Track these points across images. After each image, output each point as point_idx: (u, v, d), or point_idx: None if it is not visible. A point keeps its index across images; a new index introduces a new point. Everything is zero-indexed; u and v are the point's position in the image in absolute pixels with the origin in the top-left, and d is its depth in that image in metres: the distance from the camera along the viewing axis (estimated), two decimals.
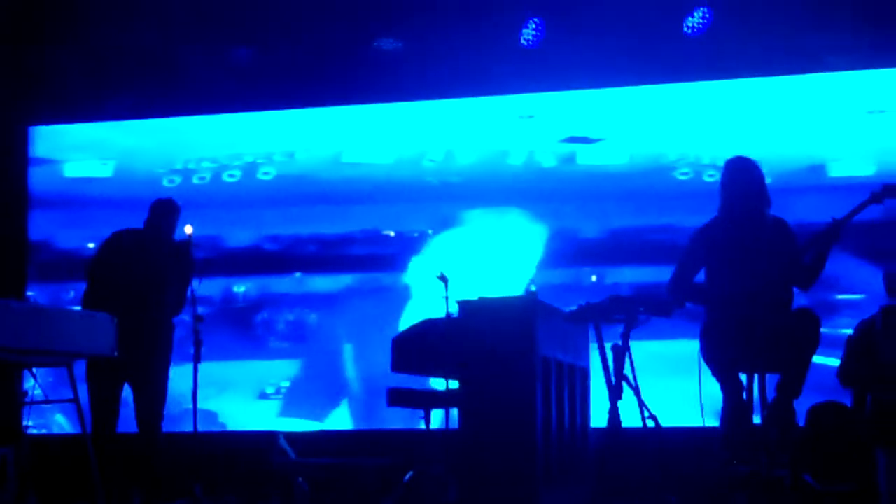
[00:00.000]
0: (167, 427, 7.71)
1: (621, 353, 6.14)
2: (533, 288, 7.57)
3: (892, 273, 7.40)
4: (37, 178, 10.62)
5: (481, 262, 9.61)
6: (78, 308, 7.70)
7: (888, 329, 6.81)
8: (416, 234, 9.98)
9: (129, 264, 7.58)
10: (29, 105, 10.41)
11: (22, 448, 8.00)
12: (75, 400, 6.93)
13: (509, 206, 9.81)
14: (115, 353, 6.87)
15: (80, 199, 10.47)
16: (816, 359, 6.20)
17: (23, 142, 10.62)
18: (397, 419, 8.75)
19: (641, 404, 6.16)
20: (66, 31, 9.81)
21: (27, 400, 8.66)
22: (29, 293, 10.35)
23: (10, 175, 10.54)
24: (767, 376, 6.22)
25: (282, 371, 10.05)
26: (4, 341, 6.13)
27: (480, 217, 9.86)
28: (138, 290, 7.44)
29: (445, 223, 9.92)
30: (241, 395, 9.97)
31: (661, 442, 6.19)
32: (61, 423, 9.91)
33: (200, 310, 7.93)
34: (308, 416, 9.86)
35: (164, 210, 7.86)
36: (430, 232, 9.95)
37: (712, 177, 6.70)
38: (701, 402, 6.25)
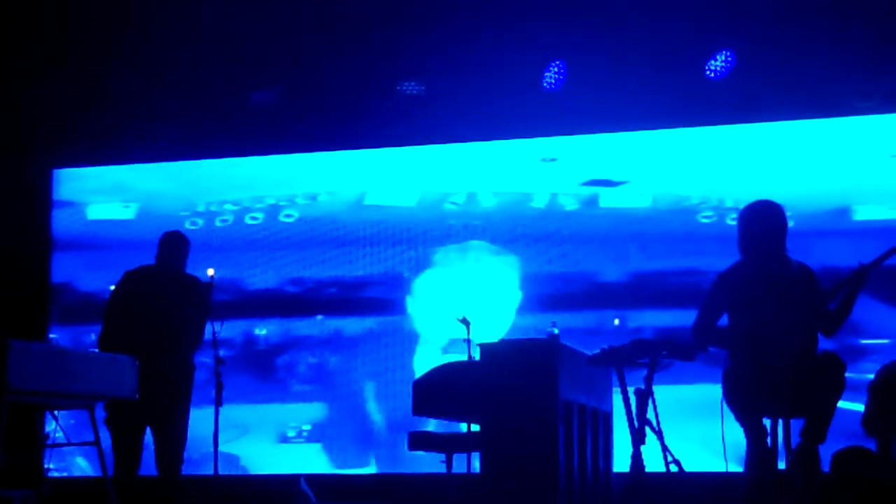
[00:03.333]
0: (188, 470, 7.68)
1: (644, 396, 6.09)
2: (555, 330, 7.52)
3: None
4: (60, 221, 10.67)
5: (487, 301, 9.62)
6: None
7: None
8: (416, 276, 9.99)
9: (144, 301, 7.54)
10: (53, 148, 10.48)
11: (43, 490, 7.99)
12: (96, 443, 6.91)
13: (515, 243, 9.81)
14: (137, 396, 6.86)
15: (102, 242, 10.51)
16: (842, 404, 6.15)
17: (46, 184, 10.68)
18: (419, 463, 8.71)
19: (664, 449, 6.11)
20: (90, 74, 9.87)
21: (49, 442, 8.66)
22: (51, 335, 10.37)
23: (34, 217, 10.59)
24: (792, 421, 6.17)
25: (303, 414, 10.03)
26: (27, 384, 6.13)
27: (482, 254, 9.86)
28: (155, 326, 7.41)
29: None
30: (262, 439, 9.95)
31: (684, 487, 6.13)
32: (82, 465, 9.90)
33: (222, 352, 7.92)
34: (330, 460, 9.85)
35: (172, 243, 7.82)
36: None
37: (735, 220, 6.64)
38: (724, 446, 6.19)
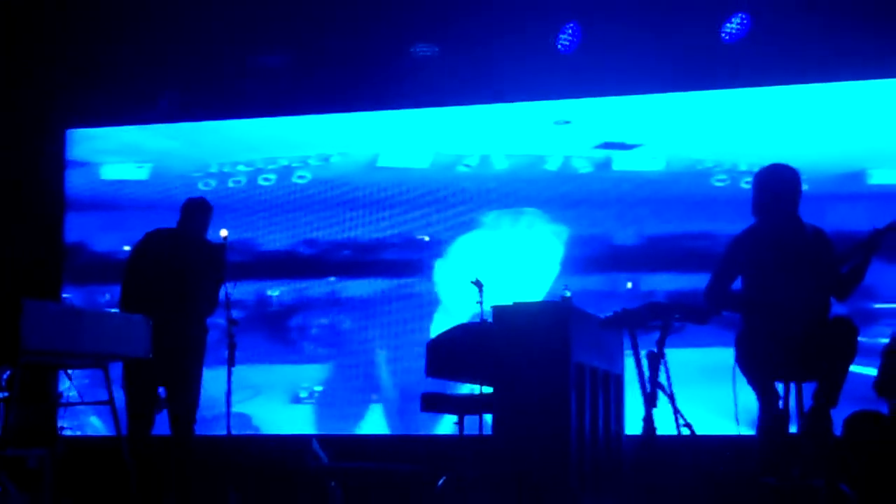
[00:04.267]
0: (201, 430, 7.72)
1: (656, 360, 6.10)
2: (568, 294, 7.52)
3: None
4: (73, 181, 10.68)
5: (502, 264, 9.61)
6: (114, 310, 7.73)
7: None
8: (444, 239, 9.97)
9: (161, 264, 7.58)
10: (66, 108, 10.47)
11: (58, 449, 8.04)
12: (110, 402, 6.94)
13: (532, 206, 9.80)
14: (150, 356, 6.88)
15: (115, 202, 10.52)
16: (854, 368, 6.15)
17: (60, 145, 10.68)
18: (431, 424, 8.74)
19: (676, 412, 6.12)
20: (103, 34, 9.85)
21: (62, 401, 8.71)
22: (65, 295, 10.40)
23: (47, 178, 10.60)
24: (804, 385, 6.18)
25: (315, 375, 10.06)
26: (40, 343, 6.16)
27: (499, 219, 9.85)
28: (170, 289, 7.44)
29: (468, 226, 9.92)
30: (274, 399, 9.99)
31: (695, 450, 6.15)
32: (96, 424, 9.95)
33: (235, 313, 7.94)
34: (341, 421, 9.88)
35: (196, 209, 7.86)
36: (445, 238, 9.95)
37: (749, 184, 6.63)
38: (736, 410, 6.20)
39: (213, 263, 7.68)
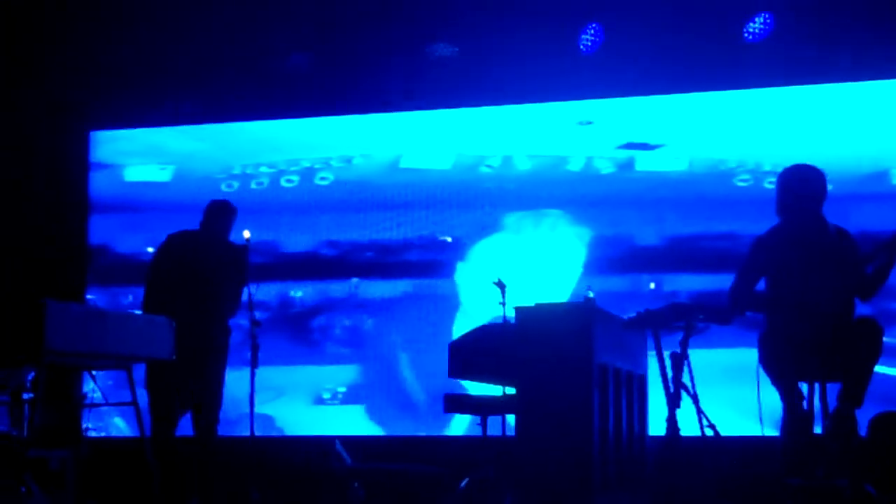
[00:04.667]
0: (224, 431, 7.74)
1: (680, 360, 6.09)
2: (591, 294, 7.51)
3: None
4: (97, 183, 10.72)
5: (528, 265, 9.60)
6: (137, 312, 7.75)
7: None
8: (468, 241, 9.97)
9: (184, 265, 7.62)
10: (90, 110, 10.51)
11: (81, 450, 8.07)
12: (134, 403, 6.97)
13: (554, 208, 9.78)
14: (174, 357, 6.90)
15: (139, 204, 10.55)
16: (879, 368, 6.13)
17: (83, 147, 10.73)
18: (454, 425, 8.73)
19: (700, 413, 6.11)
20: (126, 36, 9.88)
21: (87, 402, 8.73)
22: (89, 297, 10.44)
23: (71, 180, 10.64)
24: (829, 385, 6.15)
25: (339, 376, 10.07)
26: (64, 345, 6.18)
27: (521, 220, 9.84)
28: (194, 290, 7.47)
29: (490, 228, 9.91)
30: (297, 400, 10.00)
31: (719, 451, 6.13)
32: (120, 425, 9.98)
33: (258, 315, 7.96)
34: (365, 422, 9.89)
35: (219, 211, 7.90)
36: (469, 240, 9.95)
37: (772, 184, 6.62)
38: (760, 411, 6.18)
39: (235, 265, 7.71)
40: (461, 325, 9.25)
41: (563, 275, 9.63)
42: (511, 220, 9.87)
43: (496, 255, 9.81)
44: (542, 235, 9.78)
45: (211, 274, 7.59)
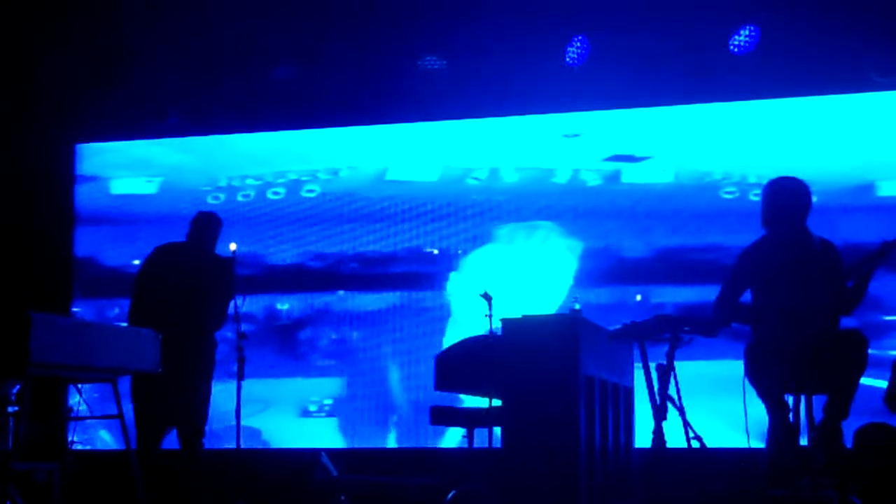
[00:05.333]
0: (211, 444, 7.73)
1: (666, 372, 6.10)
2: (577, 306, 7.52)
3: None
4: (83, 195, 10.70)
5: (515, 277, 9.60)
6: (123, 324, 7.73)
7: None
8: (459, 252, 9.97)
9: (170, 278, 7.60)
10: (76, 122, 10.50)
11: (67, 463, 8.03)
12: (120, 416, 6.94)
13: (541, 220, 9.79)
14: (160, 370, 6.89)
15: (125, 216, 10.54)
16: (864, 380, 6.14)
17: (70, 159, 10.71)
18: (440, 438, 8.73)
19: (686, 425, 6.12)
20: (112, 48, 9.87)
21: (72, 415, 8.70)
22: (74, 309, 10.41)
23: (58, 192, 10.62)
24: (814, 398, 6.16)
25: (325, 389, 10.05)
26: (50, 357, 6.16)
27: (512, 232, 9.85)
28: (180, 303, 7.46)
29: (477, 240, 9.92)
30: (284, 413, 9.98)
31: (706, 463, 6.14)
32: (106, 438, 9.96)
33: (244, 327, 7.95)
34: (351, 435, 9.88)
35: (206, 223, 7.89)
36: (460, 251, 9.94)
37: (758, 196, 6.64)
38: (746, 423, 6.19)
39: (221, 277, 7.70)
40: (452, 337, 9.25)
41: (553, 286, 9.64)
42: (501, 231, 9.87)
43: (486, 267, 9.81)
44: (533, 247, 9.78)
45: (198, 286, 7.58)
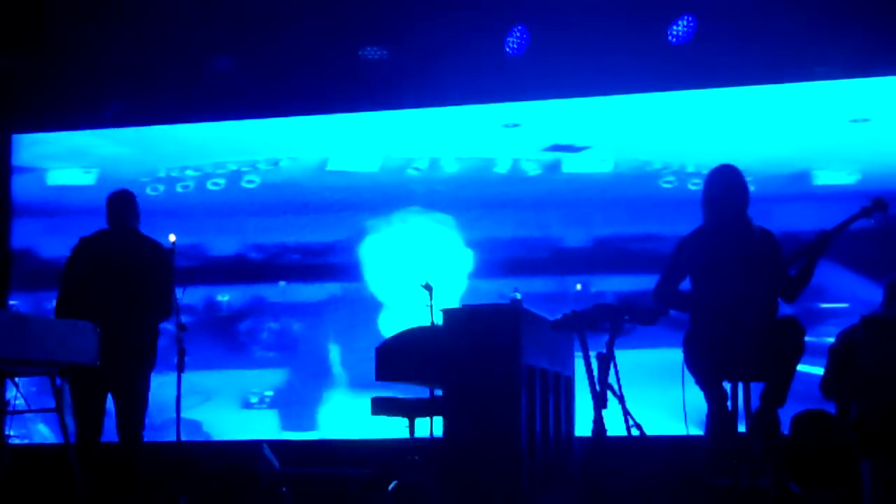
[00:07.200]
0: (150, 437, 7.67)
1: (606, 361, 6.12)
2: (518, 296, 7.53)
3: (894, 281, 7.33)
4: (20, 187, 10.58)
5: (451, 267, 9.64)
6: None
7: (870, 339, 6.81)
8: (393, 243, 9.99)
9: (101, 266, 7.45)
10: (12, 113, 10.37)
11: (3, 458, 7.95)
12: (58, 409, 6.87)
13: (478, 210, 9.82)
14: (98, 363, 6.81)
15: (63, 208, 10.43)
16: (801, 367, 6.21)
17: (5, 150, 10.58)
18: (381, 428, 8.72)
19: (626, 413, 6.15)
20: (48, 39, 9.76)
21: (9, 409, 8.60)
22: (12, 302, 10.30)
23: None
24: (752, 385, 6.22)
25: (266, 380, 10.02)
26: None
27: (444, 221, 9.87)
28: (117, 293, 7.33)
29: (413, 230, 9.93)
30: (225, 405, 9.94)
31: (645, 451, 6.17)
32: (44, 432, 9.86)
33: (184, 318, 7.88)
34: (293, 426, 9.85)
35: (122, 202, 7.67)
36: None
37: (696, 185, 6.71)
38: (685, 410, 6.23)
39: (155, 258, 7.52)
40: (386, 328, 9.26)
41: (488, 276, 9.65)
42: (436, 221, 9.87)
43: (419, 257, 9.81)
44: (469, 237, 9.79)
45: (129, 272, 7.41)
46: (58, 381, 6.81)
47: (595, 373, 6.13)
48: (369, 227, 10.01)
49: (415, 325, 7.64)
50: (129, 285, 7.39)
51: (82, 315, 6.95)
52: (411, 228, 9.94)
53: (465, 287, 9.58)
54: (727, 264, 6.26)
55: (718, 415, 6.14)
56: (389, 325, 9.55)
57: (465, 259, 9.74)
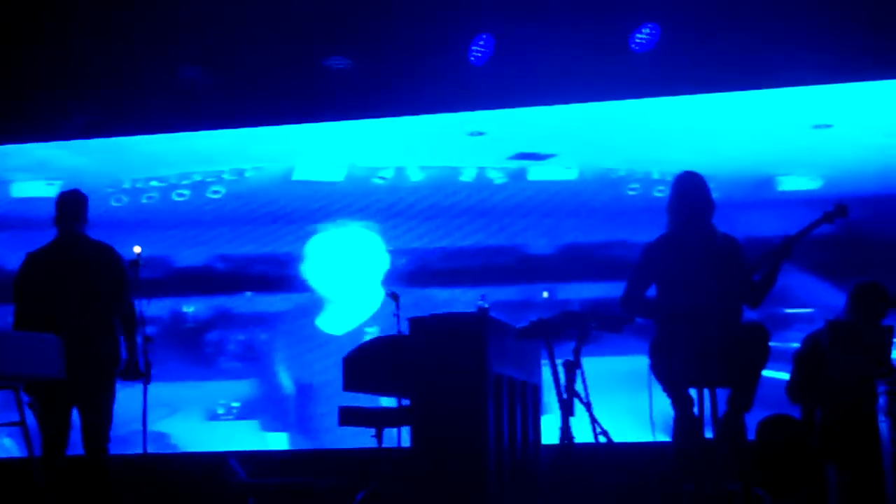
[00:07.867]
0: (116, 449, 7.61)
1: (573, 368, 6.14)
2: (485, 304, 7.54)
3: (861, 286, 7.32)
4: None
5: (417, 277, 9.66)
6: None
7: (834, 344, 6.85)
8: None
9: (52, 280, 7.33)
10: None
11: None
12: (22, 423, 6.82)
13: (443, 218, 9.83)
14: (64, 376, 6.76)
15: (26, 220, 10.35)
16: (767, 373, 6.23)
17: None
18: (349, 438, 8.71)
19: (593, 420, 6.16)
20: (10, 48, 9.71)
21: None
22: None
23: None
24: (718, 391, 6.24)
25: (233, 391, 9.98)
26: None
27: (411, 231, 9.88)
28: (73, 305, 7.25)
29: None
30: (191, 416, 9.89)
31: (612, 458, 6.19)
32: (7, 446, 9.79)
33: (149, 330, 7.83)
34: (260, 437, 9.82)
35: (70, 203, 7.55)
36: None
37: (661, 192, 6.73)
38: (652, 417, 6.25)
39: (108, 268, 7.40)
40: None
41: (454, 284, 9.66)
42: (401, 230, 9.88)
43: (383, 264, 9.82)
44: (434, 245, 9.79)
45: (87, 280, 7.30)
46: (22, 395, 6.75)
47: (562, 380, 6.14)
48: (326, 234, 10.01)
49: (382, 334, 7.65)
50: (84, 294, 7.28)
51: (42, 329, 6.87)
52: (366, 236, 9.93)
53: (430, 296, 9.57)
54: (692, 271, 6.29)
55: (685, 420, 6.16)
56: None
57: (431, 267, 9.75)
